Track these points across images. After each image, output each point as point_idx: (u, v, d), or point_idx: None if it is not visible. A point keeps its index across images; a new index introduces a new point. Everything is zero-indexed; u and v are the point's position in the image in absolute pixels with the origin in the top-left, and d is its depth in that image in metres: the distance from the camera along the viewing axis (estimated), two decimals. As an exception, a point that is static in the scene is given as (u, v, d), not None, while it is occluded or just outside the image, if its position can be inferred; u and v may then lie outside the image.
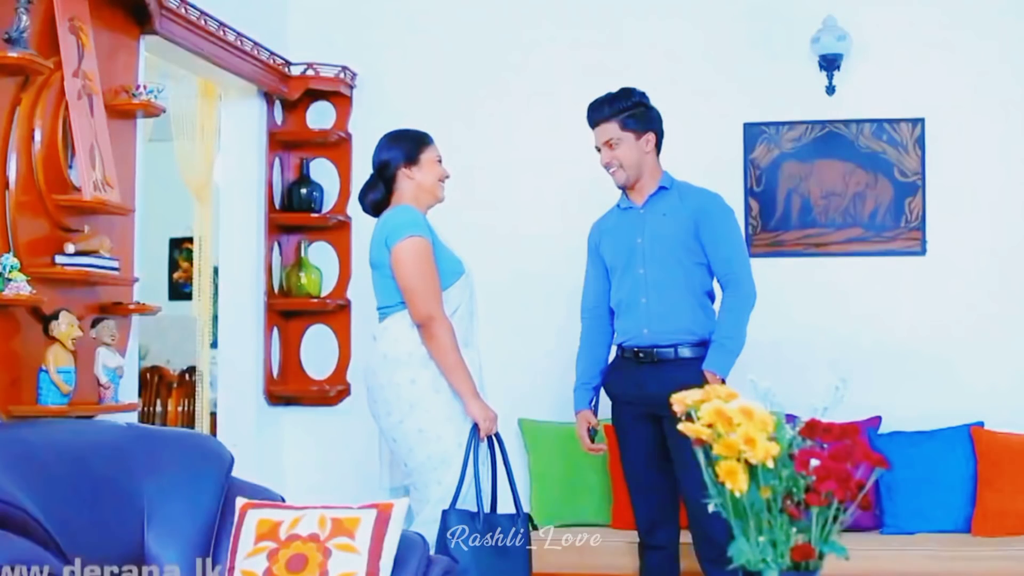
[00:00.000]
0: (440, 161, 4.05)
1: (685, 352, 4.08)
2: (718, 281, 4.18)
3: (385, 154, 4.01)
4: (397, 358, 3.83)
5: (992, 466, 4.68)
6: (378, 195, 4.02)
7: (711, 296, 4.19)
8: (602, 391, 4.32)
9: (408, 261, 3.81)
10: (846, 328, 5.11)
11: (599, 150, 4.20)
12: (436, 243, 3.90)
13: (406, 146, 4.01)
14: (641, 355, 4.11)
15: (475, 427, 3.83)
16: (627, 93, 4.17)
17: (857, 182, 5.12)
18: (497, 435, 3.92)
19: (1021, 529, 4.59)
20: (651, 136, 4.16)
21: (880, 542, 4.53)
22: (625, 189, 4.23)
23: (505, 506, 3.95)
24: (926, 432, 4.84)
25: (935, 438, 4.80)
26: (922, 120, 5.08)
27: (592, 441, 4.31)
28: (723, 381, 4.03)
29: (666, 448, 4.10)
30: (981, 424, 4.83)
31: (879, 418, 4.84)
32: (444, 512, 3.71)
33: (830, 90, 5.09)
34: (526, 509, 5.02)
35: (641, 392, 4.06)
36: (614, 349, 4.32)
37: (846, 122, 5.13)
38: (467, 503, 3.76)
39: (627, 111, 4.13)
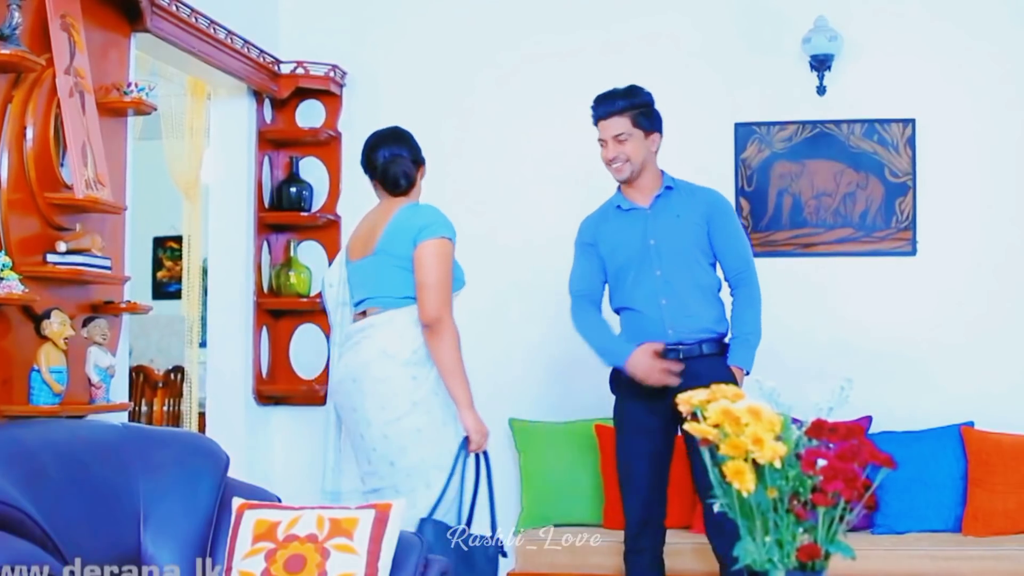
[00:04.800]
0: None
1: (707, 348, 4.09)
2: (728, 278, 4.18)
3: (419, 152, 3.99)
4: (398, 354, 3.74)
5: (982, 466, 4.70)
6: (412, 175, 3.95)
7: (720, 291, 4.20)
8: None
9: (436, 260, 3.73)
10: (836, 328, 5.12)
11: (603, 144, 4.14)
12: None
13: (419, 150, 4.00)
14: (666, 354, 4.08)
15: (465, 439, 3.77)
16: (637, 91, 4.14)
17: (848, 182, 5.13)
18: (485, 453, 3.84)
19: (1011, 529, 4.61)
20: (656, 136, 4.14)
21: (871, 542, 4.53)
22: (622, 188, 4.21)
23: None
24: (916, 432, 4.85)
25: (925, 438, 4.81)
26: (913, 121, 5.09)
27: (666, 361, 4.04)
28: (747, 374, 4.08)
29: (669, 447, 4.11)
30: (971, 424, 4.84)
31: (870, 418, 4.84)
32: (421, 520, 3.63)
33: (821, 90, 5.10)
34: (516, 512, 5.04)
35: (665, 388, 4.03)
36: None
37: (837, 122, 5.14)
38: (442, 516, 3.71)
39: (638, 108, 4.10)
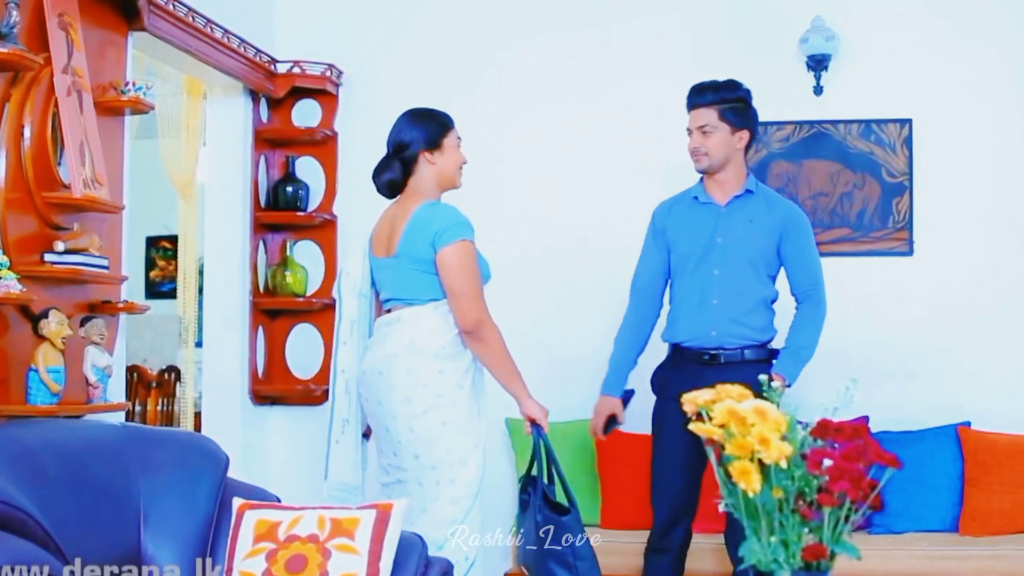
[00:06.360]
0: (459, 145, 3.93)
1: (749, 355, 4.06)
2: (795, 293, 4.16)
3: (405, 135, 3.84)
4: (426, 347, 3.70)
5: (979, 466, 4.70)
6: (395, 176, 3.85)
7: (773, 303, 4.16)
8: (604, 387, 4.27)
9: (461, 265, 3.68)
10: (833, 328, 5.08)
11: (690, 133, 4.12)
12: None
13: (428, 130, 3.85)
14: (705, 357, 4.06)
15: (537, 425, 3.86)
16: (733, 85, 4.12)
17: (845, 182, 5.14)
18: (546, 437, 3.91)
19: (1008, 528, 4.62)
20: (745, 134, 4.10)
21: (868, 542, 4.52)
22: (704, 179, 4.16)
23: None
24: (913, 432, 4.85)
25: (922, 438, 4.82)
26: (910, 121, 5.10)
27: (604, 432, 4.23)
28: (788, 387, 4.03)
29: (703, 449, 4.07)
30: (968, 424, 4.85)
31: (866, 418, 4.83)
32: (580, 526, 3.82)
33: (818, 90, 5.11)
34: (514, 512, 5.02)
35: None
36: (666, 347, 4.24)
37: (834, 122, 5.15)
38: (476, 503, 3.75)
39: (729, 103, 4.07)
